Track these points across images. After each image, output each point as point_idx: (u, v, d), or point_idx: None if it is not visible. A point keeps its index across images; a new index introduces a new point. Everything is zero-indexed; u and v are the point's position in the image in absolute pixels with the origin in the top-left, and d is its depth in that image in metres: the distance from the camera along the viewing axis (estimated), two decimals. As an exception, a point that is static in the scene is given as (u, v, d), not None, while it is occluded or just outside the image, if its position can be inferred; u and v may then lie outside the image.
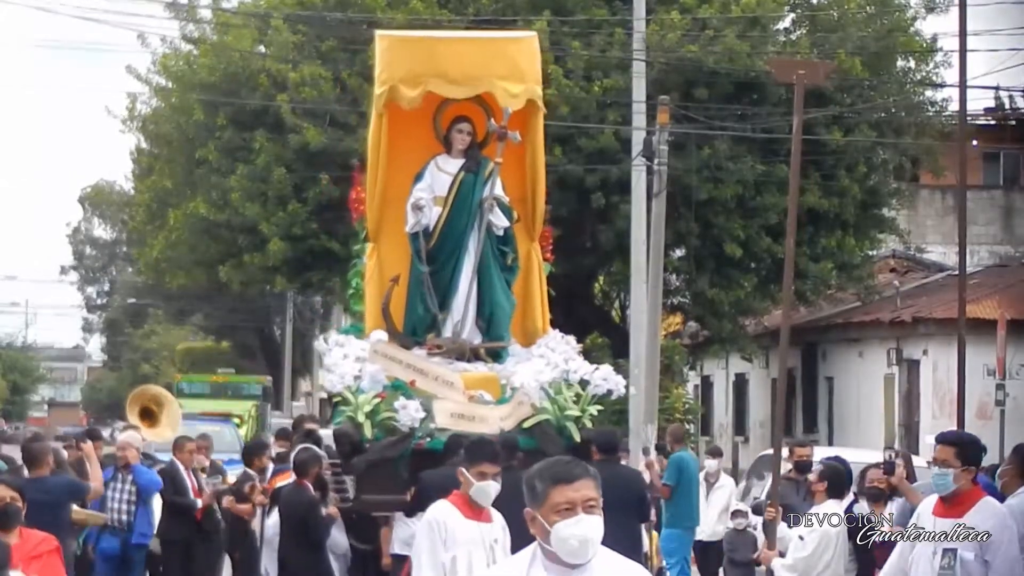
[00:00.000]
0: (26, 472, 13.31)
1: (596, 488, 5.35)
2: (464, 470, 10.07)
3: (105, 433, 23.24)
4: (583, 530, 5.28)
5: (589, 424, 13.60)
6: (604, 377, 13.92)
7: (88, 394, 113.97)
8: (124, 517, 16.02)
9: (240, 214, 33.07)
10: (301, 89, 31.92)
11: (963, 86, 16.92)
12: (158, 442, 18.88)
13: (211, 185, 34.00)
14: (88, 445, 15.54)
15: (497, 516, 10.11)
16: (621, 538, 13.45)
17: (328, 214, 32.10)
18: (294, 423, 19.36)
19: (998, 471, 11.71)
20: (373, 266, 14.35)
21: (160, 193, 37.80)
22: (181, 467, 16.76)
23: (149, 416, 19.23)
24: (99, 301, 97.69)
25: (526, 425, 13.28)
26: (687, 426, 32.64)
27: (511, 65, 14.13)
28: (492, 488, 10.04)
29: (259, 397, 50.45)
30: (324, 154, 31.94)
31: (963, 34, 15.63)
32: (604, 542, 13.39)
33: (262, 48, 34.65)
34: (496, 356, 14.12)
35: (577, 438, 13.34)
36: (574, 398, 13.62)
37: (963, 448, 9.61)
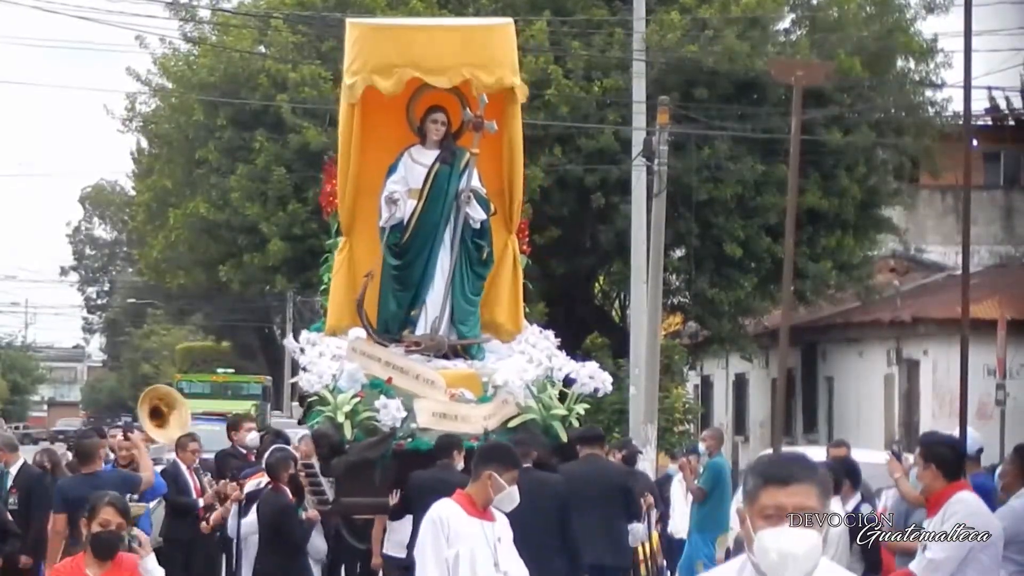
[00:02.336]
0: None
1: (819, 497, 4.46)
2: (496, 475, 9.85)
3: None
4: (786, 543, 4.39)
5: (576, 423, 13.32)
6: (591, 375, 13.54)
7: (88, 394, 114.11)
8: None
9: (240, 214, 33.10)
10: (301, 89, 31.96)
11: (968, 86, 16.92)
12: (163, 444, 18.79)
13: (211, 185, 34.05)
14: (136, 436, 15.61)
15: (500, 515, 9.99)
16: (603, 533, 13.42)
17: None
18: (229, 423, 18.79)
19: (997, 471, 11.65)
20: (342, 260, 13.97)
21: (160, 193, 37.84)
22: (183, 467, 16.74)
23: (158, 416, 19.17)
24: (99, 301, 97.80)
25: (511, 425, 12.96)
26: (686, 426, 32.66)
27: (486, 53, 13.75)
28: (517, 495, 9.99)
29: (259, 397, 50.51)
30: (324, 154, 31.95)
31: (968, 34, 15.63)
32: (586, 536, 13.17)
33: (262, 48, 34.69)
34: (473, 353, 13.79)
35: (564, 438, 13.07)
36: (558, 396, 13.31)
37: (928, 448, 9.57)
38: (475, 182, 13.74)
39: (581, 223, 31.94)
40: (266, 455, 15.12)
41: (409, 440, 12.72)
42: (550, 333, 14.03)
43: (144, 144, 41.31)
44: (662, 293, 28.59)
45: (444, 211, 13.72)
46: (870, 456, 17.84)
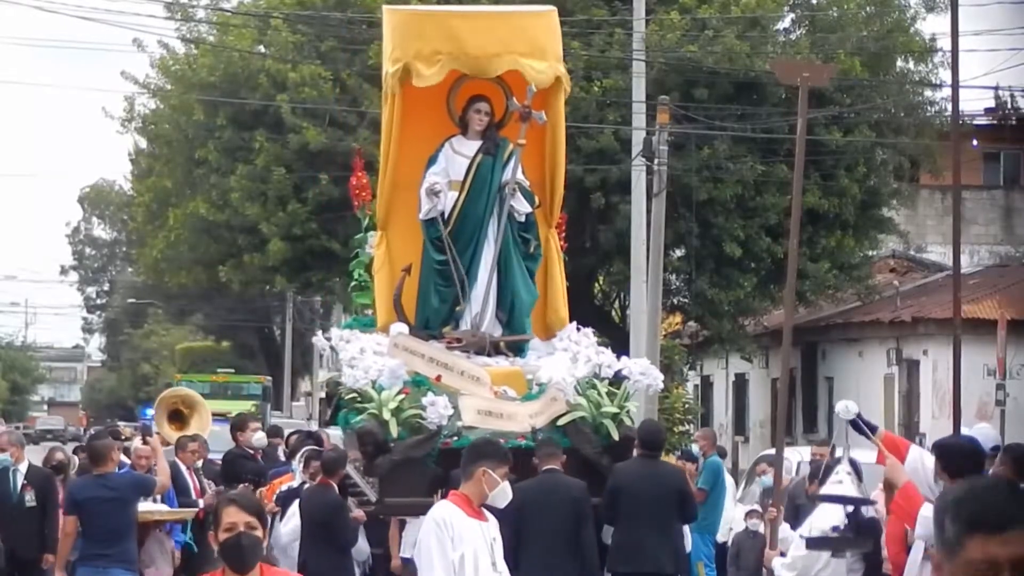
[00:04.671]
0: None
1: None
2: (490, 471, 9.59)
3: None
4: None
5: (628, 421, 12.87)
6: (643, 371, 13.17)
7: (88, 394, 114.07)
8: None
9: (240, 214, 33.12)
10: (301, 89, 31.96)
11: (956, 85, 17.06)
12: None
13: (211, 185, 34.07)
14: (155, 439, 15.57)
15: (490, 515, 9.81)
16: (662, 540, 12.82)
17: (328, 214, 32.14)
18: (234, 423, 18.23)
19: (989, 472, 11.59)
20: (383, 255, 13.53)
21: (160, 193, 37.88)
22: (183, 467, 16.67)
23: (178, 419, 19.05)
24: (99, 301, 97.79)
25: (560, 423, 12.58)
26: (686, 426, 32.63)
27: (533, 41, 13.40)
28: (510, 490, 9.76)
29: (259, 397, 50.46)
30: (324, 154, 31.96)
31: (955, 33, 15.72)
32: (643, 543, 12.81)
33: (262, 48, 34.69)
34: (517, 350, 13.41)
35: (616, 436, 12.61)
36: (608, 393, 12.86)
37: (945, 461, 9.41)
38: (519, 174, 13.41)
39: (581, 223, 31.92)
40: (300, 453, 14.89)
41: (455, 438, 12.35)
42: (589, 331, 13.67)
43: (142, 145, 41.34)
44: (662, 293, 28.58)
45: (488, 203, 13.37)
46: (870, 456, 17.82)
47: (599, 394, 12.82)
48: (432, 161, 13.44)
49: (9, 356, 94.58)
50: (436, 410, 12.37)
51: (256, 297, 55.08)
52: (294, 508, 13.89)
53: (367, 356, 12.75)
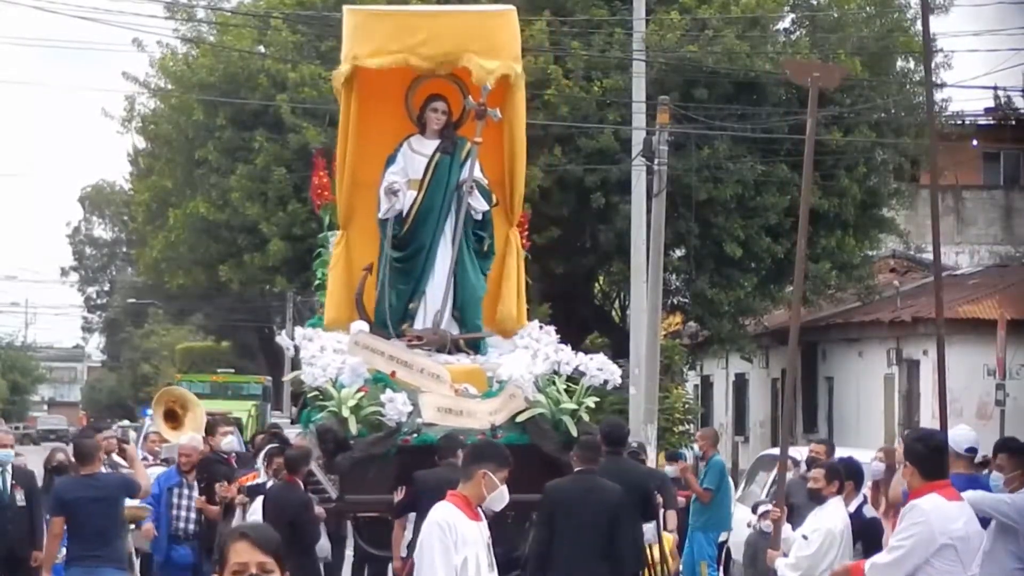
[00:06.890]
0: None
1: None
2: (491, 474, 9.54)
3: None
4: None
5: (586, 417, 12.92)
6: (600, 367, 13.19)
7: (88, 394, 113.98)
8: (192, 527, 15.54)
9: (240, 214, 33.12)
10: (301, 89, 31.95)
11: (929, 85, 17.33)
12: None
13: (211, 185, 34.07)
14: (131, 447, 15.52)
15: (482, 515, 9.77)
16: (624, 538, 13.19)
17: (328, 214, 32.07)
18: (204, 427, 17.94)
19: (992, 474, 11.56)
20: (339, 253, 13.65)
21: (160, 193, 37.88)
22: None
23: (172, 418, 19.02)
24: (99, 301, 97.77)
25: (519, 419, 12.66)
26: (686, 426, 32.64)
27: (488, 41, 13.46)
28: (507, 494, 9.70)
29: (259, 397, 50.41)
30: (324, 154, 31.90)
31: (926, 31, 15.88)
32: (603, 540, 12.82)
33: (262, 48, 34.69)
34: (475, 348, 13.50)
35: (574, 433, 12.64)
36: (566, 390, 12.95)
37: (906, 446, 9.40)
38: (477, 172, 13.48)
39: (581, 223, 31.92)
40: (264, 450, 14.86)
41: (415, 436, 12.43)
42: (551, 328, 13.70)
43: (142, 145, 41.36)
44: (662, 293, 28.58)
45: (445, 202, 13.45)
46: (866, 455, 17.83)
47: (558, 391, 12.90)
48: (391, 161, 13.55)
49: (9, 356, 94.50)
50: (395, 407, 12.41)
51: (256, 297, 55.05)
52: (257, 504, 13.72)
53: (327, 354, 12.80)
